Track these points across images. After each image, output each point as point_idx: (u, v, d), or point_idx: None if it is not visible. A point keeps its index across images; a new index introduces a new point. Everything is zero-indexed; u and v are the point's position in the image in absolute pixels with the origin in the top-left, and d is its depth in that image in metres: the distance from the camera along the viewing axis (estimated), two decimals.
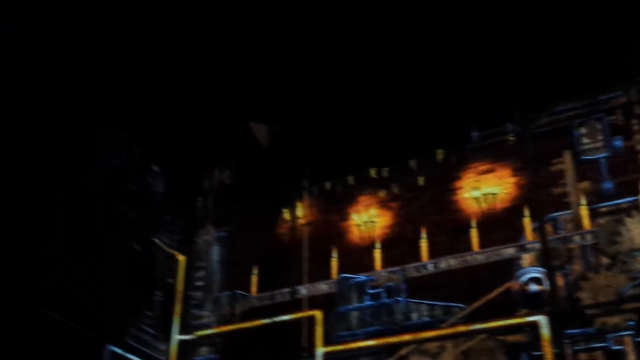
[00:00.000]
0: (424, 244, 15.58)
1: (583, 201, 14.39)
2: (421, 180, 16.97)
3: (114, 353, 13.96)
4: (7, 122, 11.64)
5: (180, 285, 17.00)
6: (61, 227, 12.93)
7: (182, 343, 16.25)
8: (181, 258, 17.32)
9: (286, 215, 17.77)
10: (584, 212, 14.26)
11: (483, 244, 15.12)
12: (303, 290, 16.27)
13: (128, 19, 15.74)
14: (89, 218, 14.01)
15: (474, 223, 15.37)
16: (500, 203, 16.02)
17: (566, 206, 14.73)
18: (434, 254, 15.50)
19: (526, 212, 14.74)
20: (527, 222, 14.65)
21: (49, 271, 12.27)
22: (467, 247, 15.22)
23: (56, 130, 13.12)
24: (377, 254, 16.07)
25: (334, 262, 16.44)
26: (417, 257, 15.51)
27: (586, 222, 14.15)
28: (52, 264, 12.37)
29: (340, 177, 17.84)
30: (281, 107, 18.30)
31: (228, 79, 18.26)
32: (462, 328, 13.52)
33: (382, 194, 17.36)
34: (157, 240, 16.60)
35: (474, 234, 15.23)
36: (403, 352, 14.05)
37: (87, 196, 14.04)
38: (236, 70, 18.13)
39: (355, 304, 15.14)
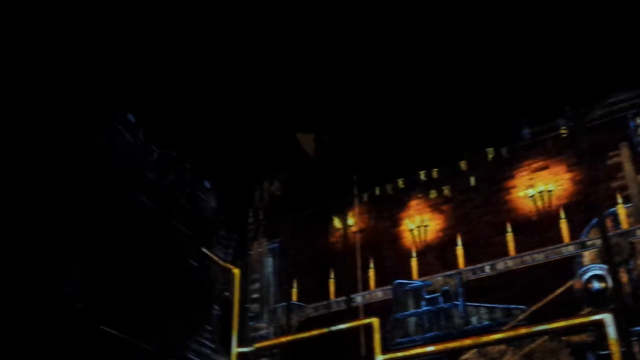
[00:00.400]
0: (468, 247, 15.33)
1: None
2: (472, 181, 16.71)
3: None
4: (60, 139, 11.98)
5: (236, 298, 17.14)
6: (118, 246, 13.21)
7: (241, 355, 16.34)
8: (236, 271, 17.46)
9: (337, 223, 17.74)
10: None
11: (541, 243, 14.75)
12: (358, 298, 16.19)
13: (177, 36, 16.05)
14: (145, 236, 14.28)
15: (529, 222, 15.04)
16: (556, 200, 15.61)
17: (626, 200, 14.25)
18: (490, 255, 15.20)
19: (584, 209, 14.33)
20: (584, 219, 14.24)
21: (107, 289, 12.54)
22: (525, 247, 14.88)
23: (109, 150, 13.45)
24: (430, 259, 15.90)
25: (388, 268, 16.32)
26: (472, 259, 15.25)
27: None
28: (109, 283, 12.64)
29: (390, 182, 17.71)
30: (326, 115, 18.36)
31: (272, 91, 18.44)
32: (523, 330, 13.13)
33: (433, 196, 17.14)
34: (212, 255, 16.79)
35: (530, 234, 14.89)
36: (464, 357, 13.79)
37: (142, 214, 14.32)
38: (280, 82, 18.29)
39: (412, 310, 14.96)
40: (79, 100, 12.71)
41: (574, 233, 14.51)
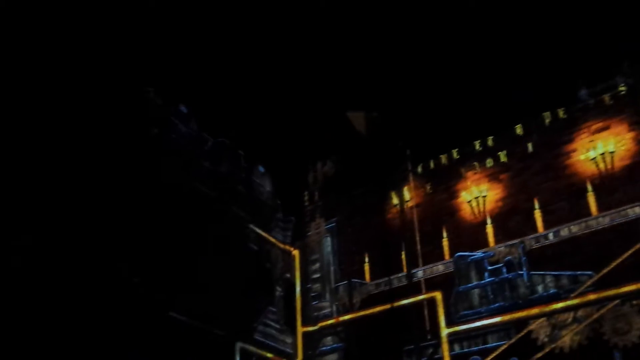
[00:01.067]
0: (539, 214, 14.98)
1: None
2: (530, 147, 16.29)
3: (243, 349, 14.41)
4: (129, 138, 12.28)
5: (297, 279, 17.29)
6: (181, 235, 13.51)
7: (306, 335, 16.54)
8: (295, 253, 17.59)
9: (393, 199, 17.65)
10: None
11: (605, 207, 14.30)
12: (419, 273, 16.11)
13: (224, 24, 16.12)
14: (206, 224, 14.56)
15: (592, 186, 14.59)
16: (619, 161, 15.07)
17: None
18: (553, 222, 14.84)
19: None
20: None
21: (174, 277, 12.85)
22: (589, 212, 14.46)
23: (164, 142, 13.72)
24: (491, 229, 15.64)
25: (448, 241, 16.17)
26: (535, 227, 14.93)
27: None
28: (176, 271, 12.95)
29: (444, 154, 17.44)
30: (375, 91, 18.19)
31: (320, 72, 18.37)
32: (592, 296, 12.79)
33: (490, 165, 16.80)
34: (271, 238, 16.98)
35: (594, 197, 14.45)
36: (532, 326, 13.55)
37: (202, 203, 14.59)
38: (327, 63, 18.19)
39: (476, 282, 14.78)
40: (132, 95, 12.99)
41: None
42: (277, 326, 16.07)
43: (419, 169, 17.67)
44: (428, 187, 17.45)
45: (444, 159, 17.37)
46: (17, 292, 9.40)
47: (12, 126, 9.93)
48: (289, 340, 16.31)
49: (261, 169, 17.66)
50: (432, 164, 17.60)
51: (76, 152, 11.05)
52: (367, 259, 17.15)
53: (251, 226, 16.22)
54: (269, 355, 15.27)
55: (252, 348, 14.71)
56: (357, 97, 18.52)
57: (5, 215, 9.54)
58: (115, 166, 11.90)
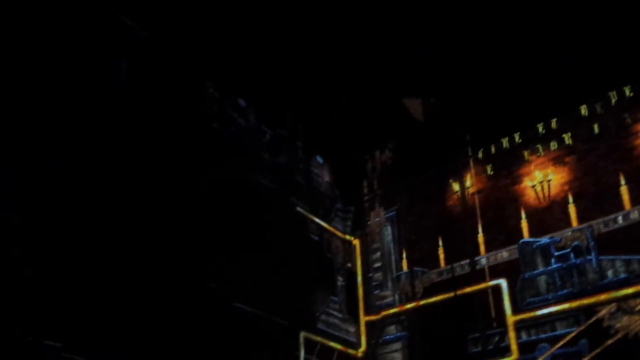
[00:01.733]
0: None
1: None
2: (596, 128, 15.71)
3: (307, 338, 14.57)
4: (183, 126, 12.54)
5: (359, 268, 17.35)
6: (242, 227, 13.74)
7: (369, 324, 16.60)
8: (356, 242, 17.66)
9: (454, 186, 17.40)
10: None
11: None
12: (483, 260, 15.84)
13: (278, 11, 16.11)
14: (266, 215, 14.76)
15: None
16: None
17: None
18: (622, 205, 14.28)
19: None
20: None
21: (237, 269, 13.10)
22: None
23: (224, 136, 13.95)
24: (558, 214, 15.19)
25: (512, 228, 15.81)
26: (603, 211, 14.40)
27: None
28: (238, 263, 13.18)
29: (505, 138, 17.01)
30: (431, 76, 17.90)
31: (375, 60, 18.21)
32: None
33: (554, 148, 16.29)
34: (331, 228, 17.06)
35: None
36: (602, 312, 13.13)
37: (262, 195, 14.78)
38: (383, 49, 18.01)
39: (542, 268, 14.40)
40: (192, 91, 13.24)
41: None
42: (340, 315, 16.15)
43: (480, 155, 17.31)
44: (489, 173, 17.09)
45: (505, 143, 16.96)
46: (97, 286, 9.76)
47: (91, 128, 10.27)
48: (352, 329, 16.37)
49: (319, 159, 17.73)
50: (493, 149, 17.20)
51: (143, 153, 11.36)
52: (428, 247, 16.97)
53: (311, 217, 16.36)
54: (333, 344, 15.40)
55: (315, 337, 14.87)
56: (414, 83, 18.27)
57: (90, 217, 9.89)
58: (180, 164, 12.18)
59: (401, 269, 17.00)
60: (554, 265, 14.19)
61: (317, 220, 16.51)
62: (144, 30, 12.14)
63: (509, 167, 16.88)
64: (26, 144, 9.39)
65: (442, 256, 16.73)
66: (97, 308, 9.62)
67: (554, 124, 16.28)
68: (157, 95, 12.04)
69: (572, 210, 14.71)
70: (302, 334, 14.43)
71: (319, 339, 14.95)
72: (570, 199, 14.84)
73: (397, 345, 16.00)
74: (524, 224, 15.57)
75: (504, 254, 15.60)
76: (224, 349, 12.14)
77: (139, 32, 12.05)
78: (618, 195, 14.41)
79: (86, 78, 10.64)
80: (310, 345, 14.63)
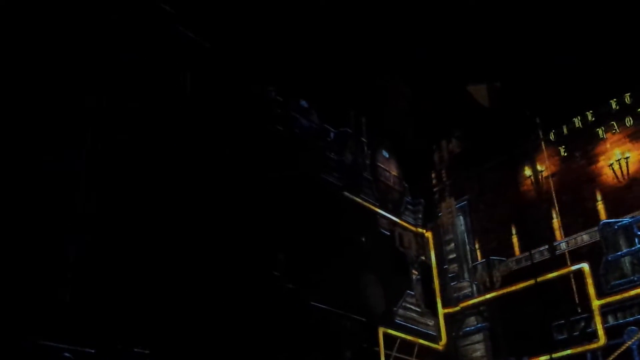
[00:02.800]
0: None
1: None
2: None
3: (386, 333, 14.55)
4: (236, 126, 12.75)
5: (433, 260, 17.17)
6: (315, 227, 13.85)
7: (448, 316, 16.40)
8: (428, 234, 17.49)
9: (526, 170, 16.90)
10: None
11: None
12: (562, 245, 15.34)
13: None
14: (337, 213, 14.82)
15: None
16: None
17: None
18: None
19: None
20: None
21: (312, 268, 13.21)
22: None
23: (289, 137, 14.10)
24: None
25: (590, 210, 15.24)
26: None
27: None
28: (313, 262, 13.30)
29: (577, 117, 16.35)
30: (495, 61, 17.47)
31: (436, 47, 17.93)
32: None
33: (629, 124, 15.55)
34: (402, 222, 16.96)
35: None
36: None
37: (331, 194, 14.86)
38: (443, 37, 17.71)
39: (626, 249, 13.83)
40: (253, 95, 13.45)
41: None
42: (418, 309, 16.03)
43: (551, 136, 16.73)
44: (563, 154, 16.51)
45: (577, 122, 16.31)
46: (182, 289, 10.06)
47: (154, 135, 10.59)
48: (430, 322, 16.22)
49: (385, 153, 17.65)
50: (565, 129, 16.58)
51: (214, 160, 11.62)
52: (504, 235, 16.56)
53: (381, 212, 16.31)
54: (412, 338, 15.30)
55: (394, 332, 14.82)
56: (477, 69, 17.87)
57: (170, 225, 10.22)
58: (250, 168, 12.40)
59: (477, 259, 16.69)
60: (639, 245, 13.61)
61: (387, 214, 16.45)
62: (206, 41, 12.42)
63: (583, 146, 16.23)
64: (111, 153, 9.79)
65: (518, 243, 16.31)
66: (179, 314, 9.90)
67: (627, 99, 15.55)
68: (222, 103, 12.29)
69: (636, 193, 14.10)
70: (381, 330, 14.40)
71: (398, 333, 14.89)
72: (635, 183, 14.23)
73: (478, 337, 15.73)
74: (600, 206, 15.01)
75: (584, 237, 15.05)
76: (304, 348, 12.26)
77: (200, 43, 12.34)
78: None
79: (157, 91, 10.99)
80: (389, 340, 14.60)
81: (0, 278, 8.01)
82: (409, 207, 17.55)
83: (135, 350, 9.03)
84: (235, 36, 13.17)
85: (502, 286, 15.79)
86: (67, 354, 8.23)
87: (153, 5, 11.59)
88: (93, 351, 8.60)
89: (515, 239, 16.43)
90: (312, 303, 12.92)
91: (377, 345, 14.19)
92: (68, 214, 9.03)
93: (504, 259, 16.22)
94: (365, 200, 15.89)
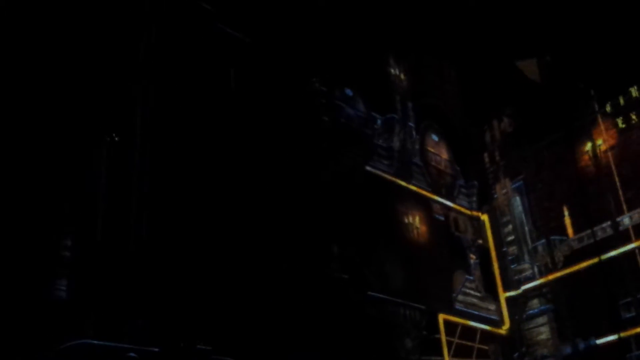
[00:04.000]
0: None
1: None
2: None
3: (446, 320, 14.35)
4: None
5: (491, 243, 16.80)
6: (368, 216, 13.73)
7: (510, 299, 16.02)
8: (484, 217, 17.11)
9: (584, 145, 16.25)
10: None
11: None
12: (625, 220, 14.73)
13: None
14: (389, 201, 14.67)
15: None
16: None
17: None
18: None
19: None
20: None
21: (368, 259, 13.11)
22: None
23: (337, 124, 13.98)
24: None
25: None
26: None
27: None
28: (369, 252, 13.19)
29: (634, 86, 15.57)
30: (544, 34, 16.86)
31: (480, 24, 17.40)
32: None
33: None
34: (456, 206, 16.65)
35: None
36: None
37: (382, 181, 14.70)
38: (490, 13, 17.16)
39: None
40: (301, 88, 13.37)
41: None
42: (478, 294, 15.74)
43: (608, 108, 16.04)
44: (621, 126, 15.81)
45: (634, 92, 15.58)
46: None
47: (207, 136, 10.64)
48: (492, 307, 15.89)
49: (435, 137, 17.33)
50: (621, 100, 15.87)
51: (264, 152, 11.62)
52: (564, 213, 16.02)
53: (434, 197, 16.03)
54: (474, 324, 15.02)
55: (455, 318, 14.58)
56: (525, 44, 17.31)
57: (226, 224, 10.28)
58: (299, 160, 12.35)
59: (537, 239, 16.20)
60: None
61: (440, 199, 16.17)
62: (247, 36, 12.39)
63: None
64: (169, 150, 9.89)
65: (579, 221, 15.75)
66: (239, 309, 9.94)
67: None
68: (266, 96, 12.25)
69: None
70: (441, 316, 14.19)
71: (459, 319, 14.64)
72: None
73: (542, 319, 15.30)
74: None
75: None
76: (364, 339, 12.18)
77: (242, 39, 12.32)
78: None
79: (203, 87, 11.03)
80: (450, 327, 14.36)
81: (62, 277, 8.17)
82: (463, 190, 17.21)
83: (198, 347, 9.11)
84: (275, 30, 13.09)
85: (564, 266, 15.32)
86: (132, 354, 8.35)
87: (194, 5, 11.62)
88: (157, 350, 8.69)
89: (575, 217, 15.86)
90: (369, 293, 12.82)
91: (438, 332, 14.00)
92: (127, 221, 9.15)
93: (565, 238, 15.69)
94: (417, 186, 15.65)
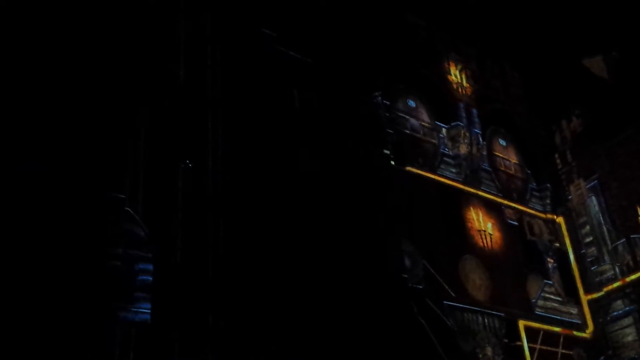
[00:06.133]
0: None
1: None
2: None
3: (527, 327, 14.14)
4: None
5: (568, 246, 16.41)
6: (436, 221, 13.76)
7: (592, 302, 15.57)
8: (560, 220, 16.75)
9: None
10: None
11: None
12: None
13: None
14: (456, 209, 14.63)
15: None
16: None
17: None
18: None
19: None
20: None
21: (437, 268, 13.13)
22: None
23: (401, 135, 14.12)
24: None
25: None
26: None
27: None
28: (437, 261, 13.21)
29: None
30: (607, 28, 16.47)
31: (542, 24, 17.14)
32: None
33: None
34: (529, 210, 16.40)
35: None
36: None
37: (449, 190, 14.70)
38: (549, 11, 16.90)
39: None
40: (360, 102, 13.61)
41: None
42: (558, 298, 15.40)
43: None
44: None
45: None
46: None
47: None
48: (574, 311, 15.50)
49: (502, 142, 17.16)
50: None
51: (332, 168, 11.89)
52: None
53: (505, 202, 15.85)
54: (556, 328, 14.69)
55: (536, 324, 14.32)
56: (590, 41, 16.94)
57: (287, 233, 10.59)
58: (366, 175, 12.55)
59: (616, 239, 15.71)
60: None
61: (512, 204, 15.96)
62: (307, 57, 12.74)
63: None
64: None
65: None
66: (316, 325, 10.14)
67: None
68: (330, 113, 12.55)
69: None
70: (521, 323, 13.96)
71: (540, 325, 14.36)
72: None
73: (628, 320, 14.78)
74: None
75: None
76: (443, 349, 12.16)
77: (303, 60, 12.69)
78: None
79: (269, 110, 11.44)
80: (532, 333, 14.11)
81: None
82: (535, 193, 16.93)
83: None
84: (334, 47, 13.40)
85: None
86: None
87: (255, 31, 12.09)
88: None
89: None
90: (445, 302, 12.80)
91: (519, 339, 13.78)
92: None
93: None
94: (487, 192, 15.53)
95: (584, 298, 15.67)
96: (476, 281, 13.92)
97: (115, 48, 9.67)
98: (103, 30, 9.62)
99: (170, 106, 10.07)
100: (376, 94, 13.99)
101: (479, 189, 15.36)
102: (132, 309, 8.40)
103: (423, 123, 15.33)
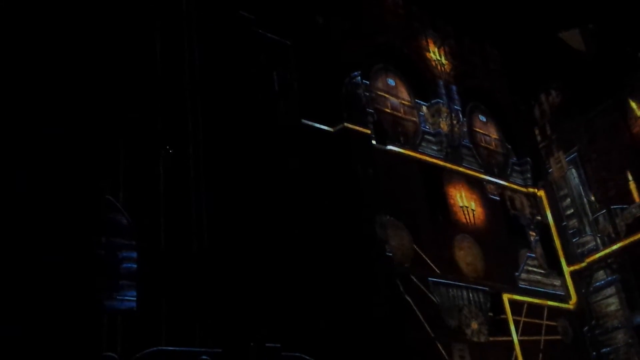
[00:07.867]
0: None
1: None
2: None
3: (511, 300, 14.29)
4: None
5: (550, 219, 16.57)
6: (425, 200, 13.82)
7: (574, 273, 15.77)
8: (540, 193, 16.88)
9: (636, 110, 15.84)
10: None
11: None
12: None
13: None
14: (440, 186, 14.69)
15: None
16: None
17: None
18: None
19: None
20: None
21: (428, 246, 13.20)
22: None
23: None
24: None
25: None
26: None
27: None
28: (426, 237, 13.28)
29: None
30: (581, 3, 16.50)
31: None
32: None
33: None
34: (510, 184, 16.50)
35: None
36: None
37: (429, 167, 14.73)
38: None
39: None
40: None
41: None
42: (541, 271, 15.56)
43: None
44: None
45: None
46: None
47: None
48: (557, 282, 15.70)
49: (482, 118, 17.20)
50: None
51: (313, 151, 11.83)
52: (621, 181, 15.66)
53: (486, 177, 15.92)
54: (540, 301, 14.86)
55: (520, 297, 14.47)
56: (566, 14, 16.96)
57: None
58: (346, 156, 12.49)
59: (597, 210, 15.88)
60: None
61: (493, 179, 16.04)
62: (287, 39, 12.58)
63: None
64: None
65: (638, 188, 15.36)
66: (304, 306, 10.15)
67: None
68: (309, 95, 12.46)
69: None
70: (505, 296, 14.10)
71: (524, 298, 14.51)
72: None
73: (610, 290, 15.01)
74: None
75: None
76: (430, 325, 12.27)
77: (282, 42, 12.53)
78: None
79: (249, 92, 11.32)
80: (516, 306, 14.25)
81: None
82: (516, 168, 17.04)
83: (267, 345, 9.34)
84: (313, 29, 13.27)
85: (627, 235, 14.98)
86: (204, 357, 8.65)
87: (233, 14, 11.90)
88: (228, 350, 8.98)
89: (634, 185, 15.47)
90: (429, 279, 12.89)
91: (504, 312, 13.94)
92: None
93: (625, 206, 15.35)
94: (469, 168, 15.59)
95: (567, 270, 15.88)
96: (460, 257, 14.03)
97: (90, 36, 9.49)
98: (75, 17, 9.43)
99: (149, 92, 9.93)
100: (355, 73, 13.91)
101: (460, 165, 15.41)
102: (118, 297, 8.36)
103: (403, 101, 15.31)
